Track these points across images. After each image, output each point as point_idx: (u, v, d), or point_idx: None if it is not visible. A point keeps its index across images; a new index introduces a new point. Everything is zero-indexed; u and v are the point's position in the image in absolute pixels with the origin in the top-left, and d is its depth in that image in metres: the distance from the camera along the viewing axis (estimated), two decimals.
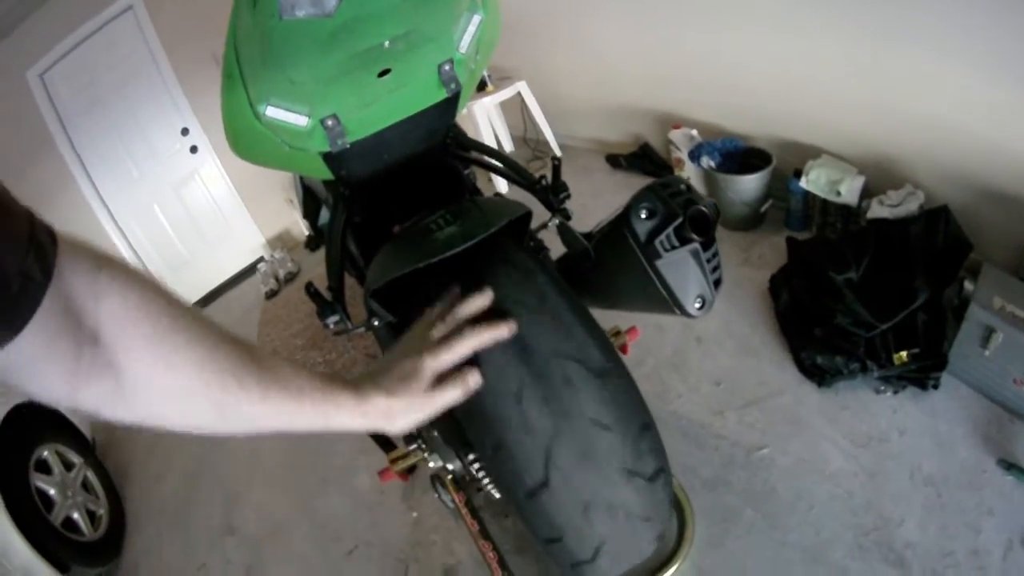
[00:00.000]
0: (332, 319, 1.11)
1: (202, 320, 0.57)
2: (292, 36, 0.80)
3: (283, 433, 0.65)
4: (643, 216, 0.91)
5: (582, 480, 0.90)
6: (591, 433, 0.90)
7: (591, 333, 0.94)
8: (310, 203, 1.89)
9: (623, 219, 0.93)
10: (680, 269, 0.90)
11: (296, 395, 0.64)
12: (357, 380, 0.75)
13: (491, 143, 3.86)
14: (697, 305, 0.92)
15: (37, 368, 0.46)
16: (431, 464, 1.28)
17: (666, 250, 0.89)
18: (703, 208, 0.88)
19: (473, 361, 0.81)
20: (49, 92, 4.13)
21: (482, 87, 3.82)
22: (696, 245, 0.89)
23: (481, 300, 0.85)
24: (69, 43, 4.08)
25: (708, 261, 0.91)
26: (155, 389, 0.53)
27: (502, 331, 0.83)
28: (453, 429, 1.13)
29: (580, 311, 0.96)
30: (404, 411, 0.75)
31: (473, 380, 0.80)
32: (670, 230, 0.88)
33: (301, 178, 1.96)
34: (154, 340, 0.51)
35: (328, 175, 1.11)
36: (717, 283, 0.94)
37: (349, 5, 0.77)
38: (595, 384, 0.91)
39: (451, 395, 0.78)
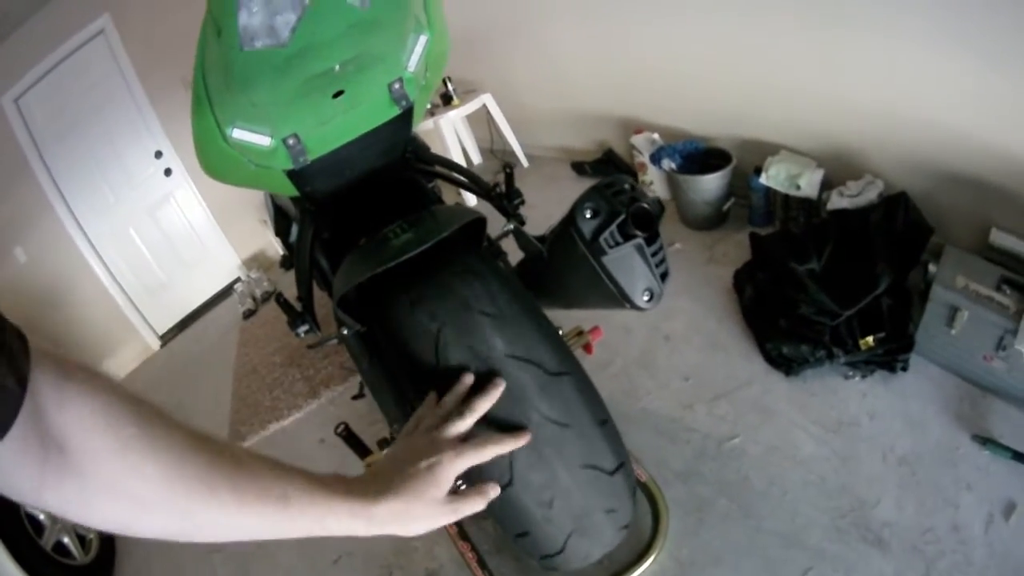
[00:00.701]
0: (302, 328, 1.15)
1: (172, 426, 0.56)
2: (252, 64, 0.85)
3: (277, 539, 0.64)
4: (588, 215, 0.94)
5: (542, 477, 0.94)
6: (549, 431, 0.93)
7: (542, 332, 0.97)
8: (281, 221, 1.91)
9: (569, 219, 0.97)
10: (626, 264, 0.94)
11: (280, 503, 0.61)
12: (364, 481, 0.73)
13: (459, 156, 3.92)
14: (645, 298, 0.95)
15: (4, 470, 0.46)
16: None
17: (611, 246, 0.92)
18: (645, 205, 0.92)
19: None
20: (24, 117, 4.13)
21: (448, 101, 3.89)
22: (640, 240, 0.92)
23: (495, 391, 0.87)
24: (43, 68, 4.10)
25: (653, 255, 0.95)
26: (120, 496, 0.52)
27: (523, 440, 0.87)
28: None
29: (530, 310, 0.99)
30: (422, 517, 0.73)
31: (493, 492, 0.82)
32: (613, 227, 0.92)
33: (272, 197, 1.99)
34: (118, 449, 0.51)
35: (294, 191, 1.16)
36: (664, 276, 0.98)
37: (302, 35, 0.82)
38: (549, 383, 0.95)
39: (473, 506, 0.79)
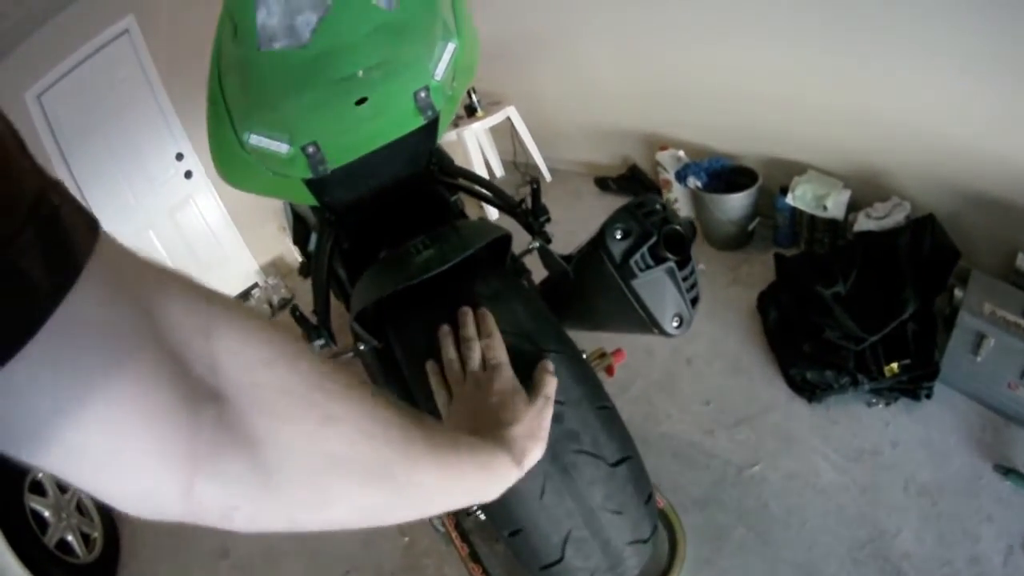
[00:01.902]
0: (317, 343, 1.12)
1: (337, 365, 0.42)
2: (271, 66, 0.82)
3: (437, 511, 0.53)
4: (618, 236, 0.91)
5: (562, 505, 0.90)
6: (573, 459, 0.90)
7: (580, 377, 0.94)
8: (300, 229, 1.90)
9: (598, 240, 0.93)
10: (656, 288, 0.91)
11: (455, 444, 0.53)
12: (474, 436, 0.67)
13: (481, 168, 3.90)
14: (675, 324, 0.92)
15: (129, 451, 0.28)
16: None
17: (641, 270, 0.89)
18: (677, 227, 0.89)
19: None
20: (47, 114, 4.15)
21: (472, 112, 3.86)
22: (671, 264, 0.89)
23: (469, 315, 0.88)
24: (66, 65, 4.11)
25: (684, 279, 0.91)
26: (310, 456, 0.37)
27: (488, 317, 0.87)
28: None
29: (551, 328, 0.96)
30: (535, 427, 0.72)
31: (550, 364, 0.84)
32: (644, 249, 0.88)
33: (291, 205, 1.98)
34: (301, 390, 0.36)
35: (313, 201, 1.12)
36: (694, 301, 0.94)
37: (323, 36, 0.79)
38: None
39: (552, 384, 0.80)
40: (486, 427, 0.70)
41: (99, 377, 0.26)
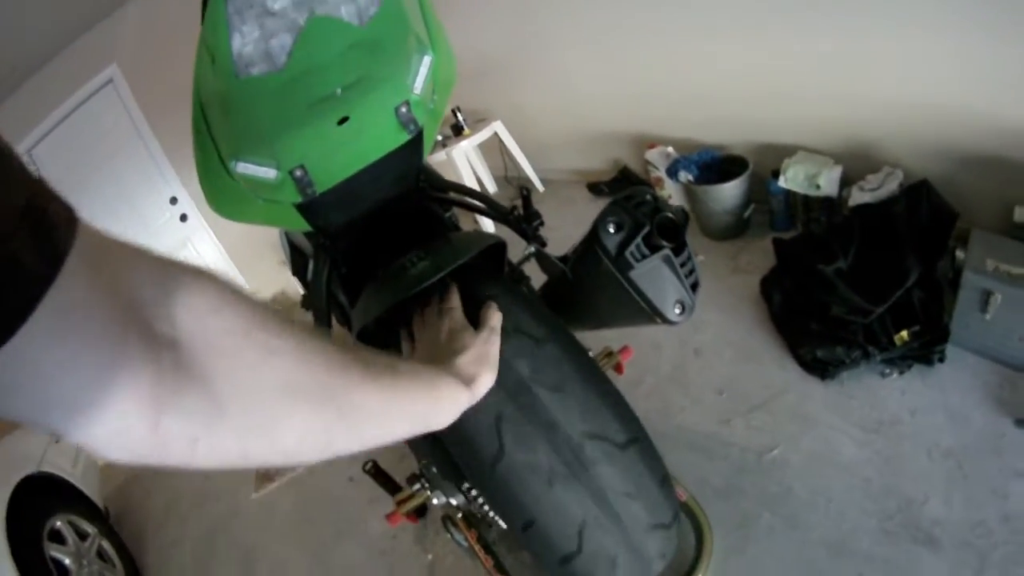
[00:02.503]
0: None
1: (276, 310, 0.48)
2: (250, 92, 0.82)
3: (386, 437, 0.55)
4: (611, 230, 0.91)
5: (577, 500, 0.89)
6: (578, 443, 0.90)
7: (576, 363, 0.94)
8: (297, 260, 1.89)
9: (592, 236, 0.93)
10: (654, 277, 0.90)
11: (390, 372, 0.56)
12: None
13: (474, 186, 3.89)
14: (677, 311, 0.92)
15: (104, 396, 0.34)
16: (435, 501, 1.28)
17: (637, 260, 0.89)
18: (669, 214, 0.88)
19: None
20: (38, 167, 4.18)
21: (458, 132, 3.87)
22: (667, 251, 0.89)
23: (451, 293, 0.93)
24: (55, 118, 4.16)
25: (682, 266, 0.91)
26: (256, 386, 0.43)
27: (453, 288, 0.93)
28: (447, 460, 1.12)
29: (558, 334, 0.96)
30: (483, 354, 0.77)
31: (493, 303, 0.89)
32: (639, 239, 0.88)
33: (287, 235, 1.97)
34: (243, 331, 0.42)
35: (305, 226, 1.12)
36: (694, 286, 0.94)
37: (299, 58, 0.79)
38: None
39: (496, 315, 0.85)
40: (439, 359, 0.75)
41: (82, 339, 0.32)
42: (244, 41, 0.77)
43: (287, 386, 0.45)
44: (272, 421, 0.45)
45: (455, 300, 0.89)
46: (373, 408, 0.52)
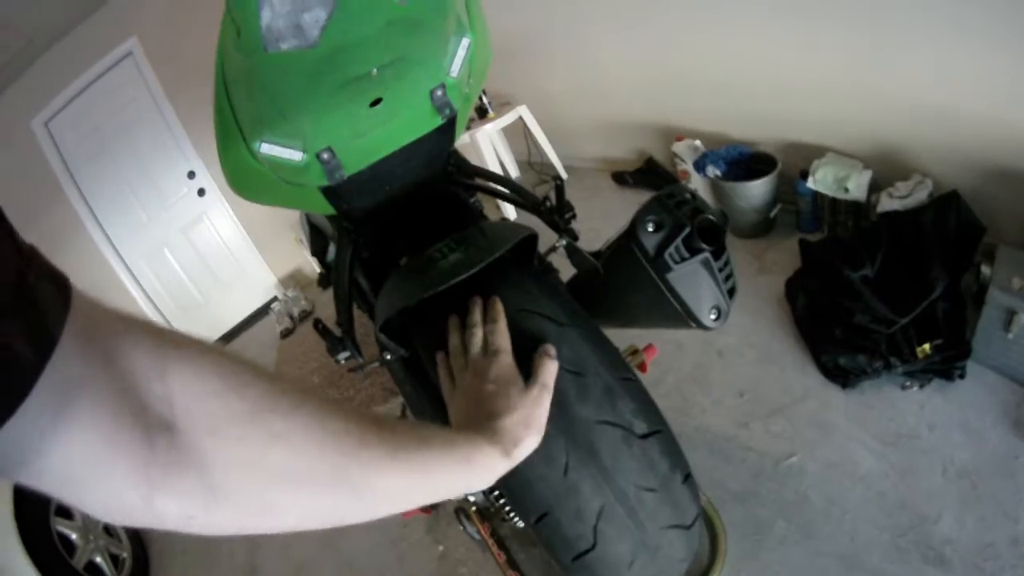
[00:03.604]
0: (343, 355, 1.08)
1: (293, 384, 0.47)
2: (279, 69, 0.78)
3: (405, 508, 0.54)
4: (650, 229, 0.88)
5: (593, 487, 0.86)
6: (597, 431, 0.85)
7: (599, 349, 0.91)
8: (317, 240, 1.88)
9: (630, 234, 0.91)
10: (692, 281, 0.88)
11: (422, 445, 0.54)
12: (461, 427, 0.70)
13: (496, 170, 3.85)
14: (712, 316, 0.89)
15: (98, 473, 0.35)
16: None
17: (676, 262, 0.86)
18: (711, 216, 0.86)
19: None
20: (55, 140, 4.20)
21: (483, 114, 3.83)
22: (707, 255, 0.86)
23: (477, 302, 0.87)
24: (72, 91, 4.16)
25: (720, 270, 0.89)
26: (257, 472, 0.42)
27: (497, 303, 0.85)
28: None
29: (588, 329, 0.93)
30: (529, 416, 0.70)
31: (551, 349, 0.79)
32: (679, 241, 0.86)
33: (307, 215, 1.95)
34: (245, 412, 0.41)
35: (330, 210, 1.09)
36: (731, 292, 0.92)
37: (332, 34, 0.75)
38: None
39: (551, 370, 0.76)
40: (481, 415, 0.69)
41: (77, 420, 0.33)
42: (274, 14, 0.72)
43: (292, 472, 0.44)
44: (273, 505, 0.44)
45: (504, 340, 0.80)
46: (394, 487, 0.51)
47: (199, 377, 0.40)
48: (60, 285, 0.34)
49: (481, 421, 0.68)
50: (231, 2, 0.75)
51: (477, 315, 0.84)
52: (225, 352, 0.43)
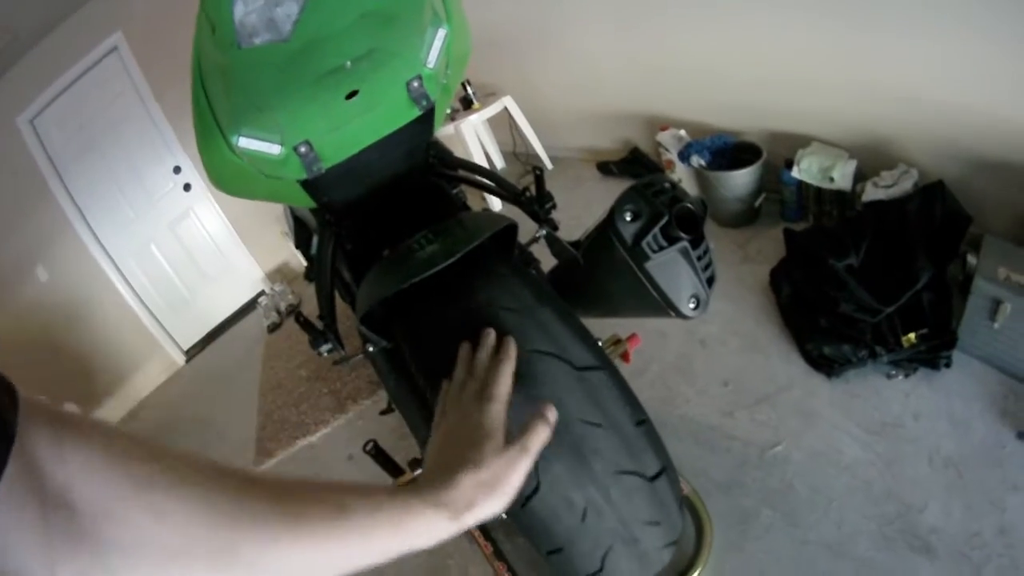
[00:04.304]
0: (324, 348, 1.09)
1: (190, 458, 0.47)
2: (253, 64, 0.78)
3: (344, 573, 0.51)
4: (628, 218, 0.88)
5: (574, 484, 0.88)
6: (581, 431, 0.88)
7: (576, 334, 0.92)
8: (301, 233, 1.87)
9: (608, 223, 0.90)
10: (670, 270, 0.88)
11: (338, 513, 0.51)
12: (425, 477, 0.64)
13: (481, 161, 3.86)
14: (691, 305, 0.89)
15: (9, 541, 0.37)
16: None
17: (654, 251, 0.86)
18: (689, 205, 0.86)
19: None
20: (40, 137, 4.17)
21: (468, 105, 3.84)
22: (685, 243, 0.86)
23: (490, 338, 0.83)
24: (57, 87, 4.14)
25: (699, 259, 0.89)
26: (147, 552, 0.43)
27: (511, 345, 0.81)
28: None
29: (566, 317, 0.93)
30: (502, 474, 0.64)
31: (551, 413, 0.71)
32: (656, 230, 0.86)
33: (291, 208, 1.95)
34: (132, 492, 0.42)
35: (310, 203, 1.09)
36: (710, 281, 0.92)
37: (306, 28, 0.76)
38: (577, 378, 0.89)
39: (539, 435, 0.69)
40: (449, 462, 0.65)
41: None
42: (247, 9, 0.73)
43: (183, 549, 0.44)
44: None
45: (501, 387, 0.75)
46: (296, 562, 0.49)
47: (90, 459, 0.41)
48: (10, 388, 0.39)
49: (444, 470, 0.63)
50: None
51: (484, 354, 0.81)
52: (116, 432, 0.45)
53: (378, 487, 0.57)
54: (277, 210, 3.88)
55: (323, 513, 0.51)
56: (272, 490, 0.50)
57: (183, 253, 4.76)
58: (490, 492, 0.62)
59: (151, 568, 0.43)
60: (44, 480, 0.39)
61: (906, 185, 1.94)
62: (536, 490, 0.86)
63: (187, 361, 4.78)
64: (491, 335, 0.84)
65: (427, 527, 0.57)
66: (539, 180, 1.18)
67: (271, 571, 0.48)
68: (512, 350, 0.81)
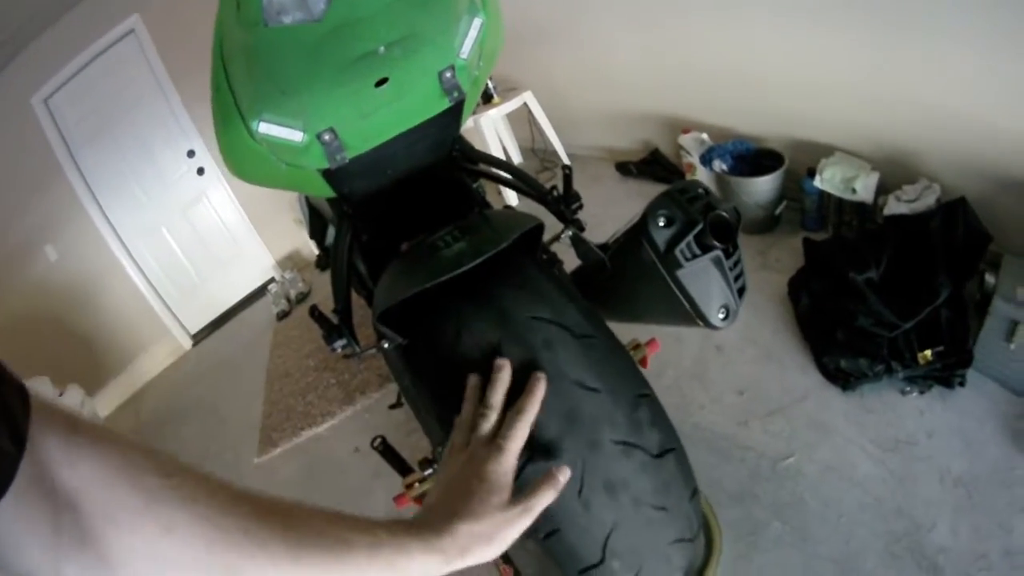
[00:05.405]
0: (339, 343, 1.05)
1: (201, 477, 0.48)
2: (280, 45, 0.75)
3: None
4: (661, 224, 0.86)
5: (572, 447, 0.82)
6: (576, 394, 0.82)
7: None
8: (316, 222, 1.85)
9: (640, 228, 0.88)
10: (702, 279, 0.86)
11: (341, 547, 0.53)
12: (425, 515, 0.65)
13: (499, 155, 3.82)
14: (721, 316, 0.87)
15: (16, 541, 0.39)
16: None
17: (687, 259, 0.84)
18: (724, 213, 0.84)
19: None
20: (55, 117, 4.16)
21: (488, 99, 3.78)
22: (718, 253, 0.84)
23: (505, 372, 0.78)
24: (73, 68, 4.12)
25: (731, 269, 0.87)
26: (148, 560, 0.44)
27: (539, 389, 0.76)
28: None
29: (586, 313, 0.91)
30: (497, 529, 0.64)
31: (563, 476, 0.70)
32: (690, 238, 0.83)
33: (306, 197, 1.93)
34: (142, 504, 0.44)
35: (330, 192, 1.05)
36: (741, 291, 0.90)
37: (338, 9, 0.73)
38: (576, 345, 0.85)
39: (544, 498, 0.68)
40: (450, 505, 0.65)
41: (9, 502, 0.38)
42: None
43: (184, 564, 0.45)
44: None
45: (516, 439, 0.72)
46: None
47: (103, 466, 0.43)
48: (17, 385, 0.41)
49: (445, 515, 0.64)
50: None
51: (498, 397, 0.77)
52: (132, 441, 0.46)
53: (378, 522, 0.58)
54: (290, 197, 3.86)
55: (327, 547, 0.52)
56: (281, 517, 0.51)
57: (194, 237, 4.75)
58: (486, 544, 0.63)
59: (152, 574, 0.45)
60: (55, 484, 0.40)
61: (929, 200, 1.92)
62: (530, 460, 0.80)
63: (194, 345, 4.76)
64: (506, 371, 0.78)
65: (421, 568, 0.59)
66: (567, 179, 1.16)
67: None
68: (538, 397, 0.76)
